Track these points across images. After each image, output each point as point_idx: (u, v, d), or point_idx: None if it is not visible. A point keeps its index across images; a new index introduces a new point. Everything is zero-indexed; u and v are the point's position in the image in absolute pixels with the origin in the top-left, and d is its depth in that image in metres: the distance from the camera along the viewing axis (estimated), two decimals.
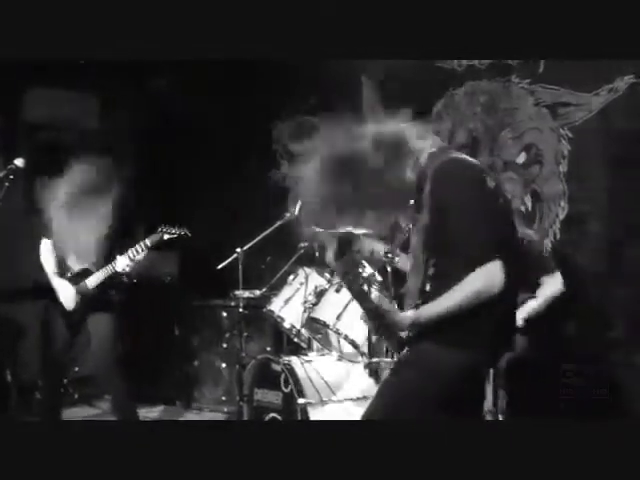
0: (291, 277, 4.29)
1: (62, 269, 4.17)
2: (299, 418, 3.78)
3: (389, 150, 2.38)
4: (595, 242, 4.36)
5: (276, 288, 4.43)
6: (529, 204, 4.70)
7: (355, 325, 3.75)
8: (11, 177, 3.45)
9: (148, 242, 4.08)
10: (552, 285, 3.92)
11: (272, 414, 4.07)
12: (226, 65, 4.76)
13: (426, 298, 2.33)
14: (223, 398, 5.64)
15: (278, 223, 4.53)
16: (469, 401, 2.39)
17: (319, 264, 4.24)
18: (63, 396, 4.86)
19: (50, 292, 4.14)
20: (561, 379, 3.86)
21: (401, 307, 2.56)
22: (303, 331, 4.13)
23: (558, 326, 4.08)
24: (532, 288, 3.90)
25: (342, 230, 2.65)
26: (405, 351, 2.34)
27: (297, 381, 3.88)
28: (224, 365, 5.69)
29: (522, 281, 2.53)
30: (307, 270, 4.19)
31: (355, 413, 3.73)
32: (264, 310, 4.28)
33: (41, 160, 4.59)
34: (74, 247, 4.13)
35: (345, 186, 2.37)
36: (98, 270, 4.12)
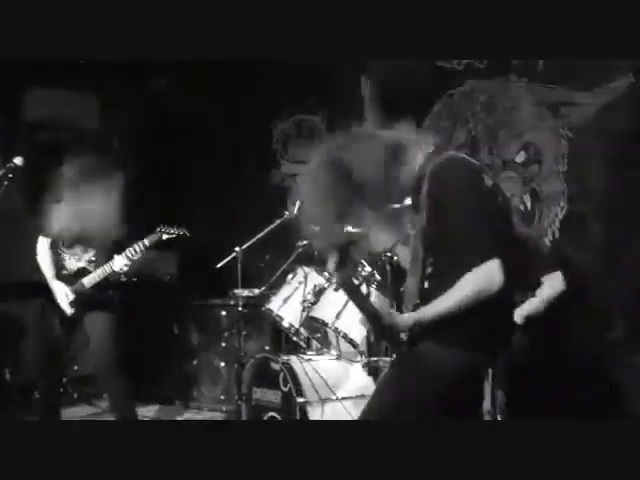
0: (290, 276, 4.30)
1: (59, 268, 4.17)
2: (298, 417, 3.79)
3: (388, 150, 2.38)
4: (595, 242, 4.36)
5: (275, 287, 4.43)
6: (528, 203, 4.70)
7: (354, 324, 3.74)
8: (10, 176, 3.45)
9: (147, 242, 4.09)
10: (553, 284, 3.91)
11: (271, 413, 4.08)
12: (226, 65, 4.76)
13: (425, 297, 2.33)
14: (222, 397, 5.64)
15: (277, 222, 4.54)
16: (468, 401, 2.39)
17: (318, 263, 4.24)
18: (62, 395, 4.86)
19: (47, 291, 4.14)
20: (561, 379, 3.86)
21: (401, 306, 2.56)
22: (302, 330, 4.13)
23: (558, 326, 4.08)
24: (533, 287, 3.90)
25: (340, 228, 2.64)
26: (404, 351, 2.34)
27: (296, 380, 3.88)
28: (223, 364, 5.69)
29: (522, 280, 2.53)
30: (306, 269, 4.20)
31: (354, 412, 3.73)
32: (263, 309, 4.28)
33: (40, 159, 4.59)
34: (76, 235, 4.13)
35: (344, 185, 2.37)
36: (95, 269, 4.12)
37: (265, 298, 4.38)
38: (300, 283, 4.16)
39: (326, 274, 4.12)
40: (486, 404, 2.44)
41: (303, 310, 4.03)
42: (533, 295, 3.87)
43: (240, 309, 4.65)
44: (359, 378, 4.06)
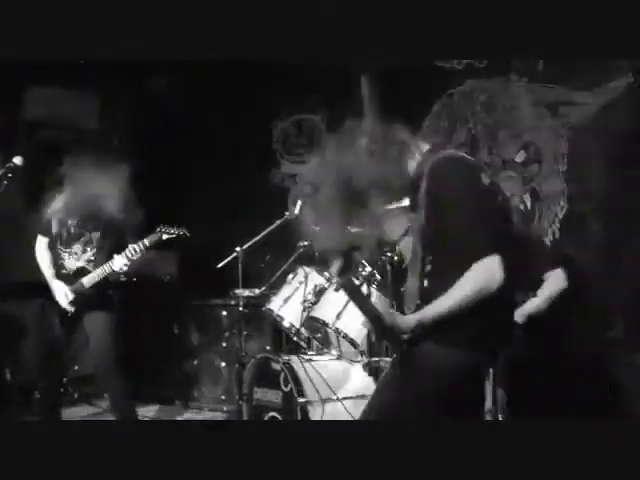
0: (290, 276, 4.30)
1: (58, 267, 4.17)
2: (299, 417, 3.79)
3: (387, 149, 2.38)
4: (595, 242, 4.36)
5: (276, 287, 4.43)
6: (528, 203, 4.70)
7: (354, 324, 3.75)
8: (10, 175, 3.45)
9: (147, 242, 4.08)
10: (555, 281, 3.91)
11: (272, 413, 4.08)
12: (226, 65, 4.76)
13: (425, 297, 2.33)
14: (223, 397, 5.64)
15: (278, 222, 4.54)
16: (469, 401, 2.39)
17: (319, 263, 4.24)
18: (63, 395, 4.86)
19: (47, 291, 4.14)
20: (561, 379, 3.86)
21: (402, 306, 2.56)
22: (302, 330, 4.13)
23: (558, 326, 4.08)
24: (535, 285, 3.90)
25: (344, 229, 2.64)
26: (404, 351, 2.34)
27: (297, 380, 3.88)
28: (224, 364, 5.69)
29: (523, 277, 2.53)
30: (306, 269, 4.19)
31: (355, 412, 3.73)
32: (263, 309, 4.28)
33: (40, 159, 4.59)
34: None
35: (344, 185, 2.37)
36: (95, 269, 4.12)
37: (266, 298, 4.38)
38: (301, 283, 4.15)
39: (326, 274, 4.12)
40: (487, 403, 2.44)
41: (304, 310, 4.02)
42: (534, 295, 3.87)
43: (241, 309, 4.65)
44: (360, 378, 4.06)
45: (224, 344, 5.70)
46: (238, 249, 4.55)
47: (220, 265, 4.63)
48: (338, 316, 3.81)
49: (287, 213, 4.53)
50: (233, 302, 5.31)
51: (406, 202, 2.49)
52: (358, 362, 4.03)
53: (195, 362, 5.86)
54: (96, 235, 4.16)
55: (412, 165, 2.42)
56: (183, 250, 5.95)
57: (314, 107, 6.01)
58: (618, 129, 4.26)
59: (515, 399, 3.45)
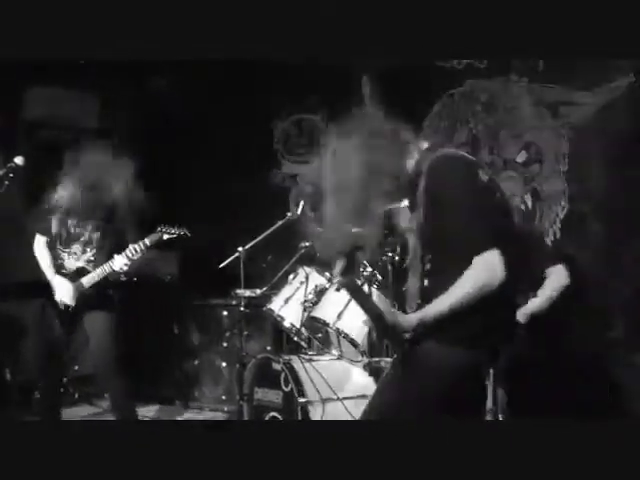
0: (291, 276, 4.29)
1: (58, 267, 4.17)
2: (299, 417, 3.79)
3: (386, 148, 2.38)
4: (595, 241, 4.36)
5: (277, 287, 4.43)
6: (529, 203, 4.70)
7: (355, 324, 3.74)
8: (11, 175, 3.45)
9: (147, 241, 4.08)
10: (557, 278, 3.89)
11: (272, 413, 4.08)
12: (226, 65, 4.77)
13: (426, 296, 2.33)
14: (223, 397, 5.64)
15: (280, 223, 4.54)
16: (471, 400, 2.39)
17: (319, 264, 4.24)
18: (63, 395, 4.86)
19: (47, 291, 4.14)
20: (561, 379, 3.86)
21: (403, 306, 2.56)
22: (303, 330, 4.13)
23: (558, 325, 4.08)
24: (536, 282, 3.89)
25: (347, 229, 2.64)
26: (406, 350, 2.33)
27: (297, 380, 3.88)
28: (224, 364, 5.69)
29: (524, 274, 2.52)
30: (307, 269, 4.19)
31: (355, 412, 3.73)
32: (264, 309, 4.28)
33: (41, 159, 4.59)
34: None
35: (344, 185, 2.37)
36: (95, 269, 4.12)
37: (266, 298, 4.38)
38: (301, 283, 4.15)
39: (327, 274, 4.12)
40: (488, 403, 2.44)
41: (304, 310, 4.02)
42: (535, 295, 3.87)
43: (242, 309, 4.65)
44: (360, 378, 4.06)
45: (225, 344, 5.70)
46: (240, 249, 4.55)
47: (222, 265, 4.63)
48: (339, 316, 3.80)
49: (289, 213, 4.54)
50: (234, 302, 5.32)
51: (405, 203, 2.49)
52: (359, 362, 4.03)
53: (196, 362, 5.86)
54: (96, 235, 4.16)
55: (410, 164, 2.43)
56: (184, 250, 5.95)
57: (314, 107, 6.01)
58: (619, 129, 4.27)
59: (515, 399, 3.45)
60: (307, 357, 4.12)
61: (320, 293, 4.00)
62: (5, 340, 5.20)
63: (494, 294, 2.20)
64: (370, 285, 3.84)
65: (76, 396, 5.75)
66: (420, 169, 2.36)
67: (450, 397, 2.27)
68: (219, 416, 5.52)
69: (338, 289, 3.84)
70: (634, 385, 3.91)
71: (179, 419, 5.47)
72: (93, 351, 4.15)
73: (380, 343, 3.93)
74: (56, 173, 4.10)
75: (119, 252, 4.05)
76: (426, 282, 2.37)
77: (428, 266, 2.36)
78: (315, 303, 3.97)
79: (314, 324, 3.99)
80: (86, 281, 4.11)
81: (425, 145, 2.45)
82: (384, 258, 3.88)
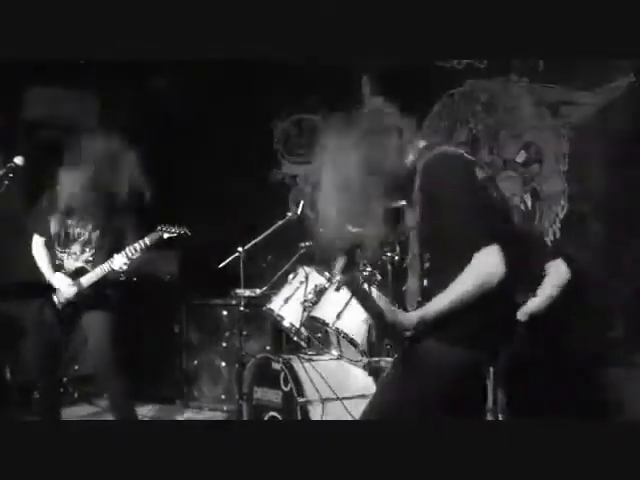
0: (291, 276, 4.29)
1: (57, 267, 4.16)
2: (299, 417, 3.79)
3: (385, 147, 2.38)
4: (595, 241, 4.36)
5: (276, 287, 4.43)
6: (529, 203, 4.70)
7: (355, 324, 3.74)
8: (10, 175, 3.45)
9: (147, 241, 4.07)
10: (557, 273, 3.88)
11: (272, 413, 4.08)
12: (226, 65, 4.76)
13: (426, 295, 2.33)
14: (223, 397, 5.64)
15: (280, 222, 4.54)
16: (471, 399, 2.39)
17: (319, 263, 4.24)
18: (62, 395, 4.85)
19: (47, 291, 4.13)
20: (561, 378, 3.86)
21: (403, 305, 2.56)
22: (302, 330, 4.13)
23: (558, 325, 4.08)
24: (536, 280, 3.88)
25: (348, 228, 2.64)
26: (406, 349, 2.33)
27: (297, 380, 3.88)
28: (224, 364, 5.69)
29: (524, 272, 2.52)
30: (307, 269, 4.19)
31: (355, 412, 3.73)
32: (264, 309, 4.28)
33: (41, 159, 4.59)
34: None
35: (344, 184, 2.37)
36: (94, 268, 4.11)
37: (266, 298, 4.38)
38: (301, 283, 4.15)
39: (327, 274, 4.12)
40: (488, 403, 2.44)
41: (304, 310, 4.02)
42: (534, 295, 3.86)
43: (241, 309, 4.65)
44: (360, 378, 4.05)
45: (224, 344, 5.70)
46: (240, 249, 4.55)
47: (222, 265, 4.63)
48: (338, 316, 3.80)
49: (289, 213, 4.54)
50: (234, 302, 5.31)
51: (404, 202, 2.49)
52: (358, 362, 4.03)
53: (195, 362, 5.86)
54: (95, 235, 4.15)
55: (408, 162, 2.42)
56: (183, 249, 5.95)
57: (314, 107, 6.00)
58: (619, 129, 4.26)
59: (515, 399, 3.44)
60: (307, 357, 4.12)
61: (320, 293, 4.00)
62: (5, 340, 5.20)
63: (494, 292, 2.21)
64: (370, 285, 3.84)
65: (75, 396, 5.75)
66: (416, 168, 2.36)
67: (450, 396, 2.27)
68: (218, 416, 5.52)
69: (338, 288, 3.84)
70: (634, 385, 3.90)
71: (178, 419, 5.47)
72: (92, 351, 4.14)
73: (380, 343, 3.93)
74: (56, 173, 4.10)
75: (118, 251, 4.04)
76: (426, 281, 2.37)
77: (427, 265, 2.36)
78: (315, 303, 3.97)
79: (314, 324, 3.99)
80: (85, 280, 4.10)
81: (422, 143, 2.45)
82: (384, 258, 3.88)
